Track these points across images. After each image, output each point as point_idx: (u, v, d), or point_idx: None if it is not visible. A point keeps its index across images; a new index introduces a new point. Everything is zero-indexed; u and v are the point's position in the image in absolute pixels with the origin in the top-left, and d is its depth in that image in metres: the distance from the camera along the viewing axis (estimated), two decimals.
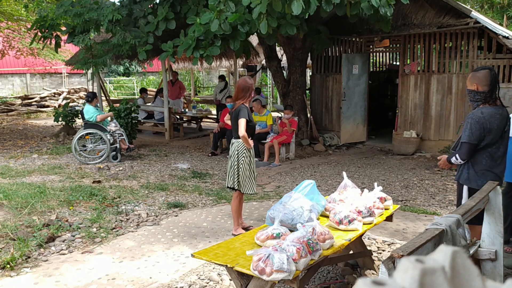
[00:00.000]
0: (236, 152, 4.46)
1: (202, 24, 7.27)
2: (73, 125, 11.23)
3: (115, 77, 24.90)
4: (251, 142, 4.44)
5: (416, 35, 9.02)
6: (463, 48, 8.65)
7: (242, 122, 4.31)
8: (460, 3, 9.15)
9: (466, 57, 8.56)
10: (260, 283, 2.55)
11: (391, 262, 2.39)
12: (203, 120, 12.58)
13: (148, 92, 13.16)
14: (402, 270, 0.56)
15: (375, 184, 3.73)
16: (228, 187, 4.61)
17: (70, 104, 11.88)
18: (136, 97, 19.87)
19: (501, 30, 8.39)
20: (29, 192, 5.82)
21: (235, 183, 4.48)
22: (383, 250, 4.17)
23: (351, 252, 3.67)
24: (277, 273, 2.39)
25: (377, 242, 4.36)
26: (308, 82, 11.53)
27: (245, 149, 4.43)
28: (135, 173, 7.42)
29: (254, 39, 12.38)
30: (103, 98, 12.82)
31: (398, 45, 10.68)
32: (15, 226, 4.60)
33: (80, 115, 9.15)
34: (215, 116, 12.56)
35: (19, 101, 17.71)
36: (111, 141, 8.26)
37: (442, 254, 0.59)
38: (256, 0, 6.34)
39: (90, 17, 8.38)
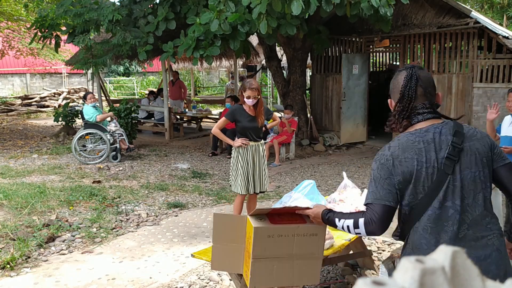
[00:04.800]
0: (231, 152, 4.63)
1: (202, 24, 7.27)
2: (73, 125, 11.23)
3: (115, 77, 24.90)
4: (237, 142, 4.43)
5: (416, 35, 9.02)
6: (463, 48, 8.65)
7: (219, 121, 4.64)
8: (460, 3, 9.15)
9: (466, 57, 8.56)
10: None
11: (391, 262, 2.39)
12: (203, 120, 12.58)
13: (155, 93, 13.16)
14: (402, 270, 0.56)
15: None
16: None
17: (70, 104, 11.87)
18: (136, 97, 19.91)
19: (501, 30, 8.40)
20: (29, 192, 5.82)
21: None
22: (383, 250, 4.17)
23: (351, 252, 3.67)
24: None
25: (377, 242, 4.36)
26: (308, 82, 11.53)
27: (234, 148, 4.53)
28: (135, 173, 7.42)
29: (254, 39, 12.38)
30: (103, 98, 12.82)
31: (398, 45, 10.67)
32: (15, 226, 4.60)
33: (80, 115, 9.15)
34: (215, 116, 12.57)
35: (19, 101, 17.71)
36: (111, 141, 8.26)
37: (442, 254, 0.60)
38: (256, 0, 6.34)
39: (90, 17, 8.37)
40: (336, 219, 1.89)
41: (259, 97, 4.40)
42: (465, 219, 1.65)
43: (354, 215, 1.82)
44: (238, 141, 4.44)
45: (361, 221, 1.75)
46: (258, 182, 4.59)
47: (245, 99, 4.38)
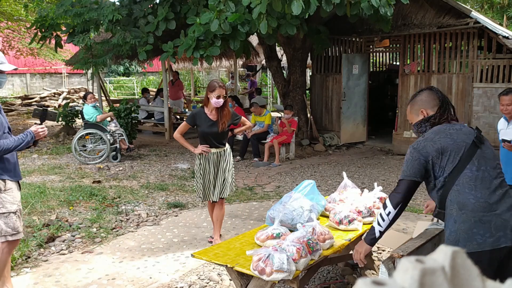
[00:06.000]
0: None
1: (202, 24, 7.26)
2: (73, 125, 11.23)
3: (115, 77, 24.89)
4: (197, 149, 4.28)
5: (416, 35, 9.02)
6: (463, 48, 8.65)
7: (180, 125, 4.49)
8: (460, 3, 9.14)
9: (466, 57, 8.56)
10: (260, 283, 2.55)
11: (391, 262, 2.39)
12: None
13: (150, 92, 13.19)
14: (402, 270, 0.56)
15: (375, 184, 3.73)
16: None
17: (70, 104, 11.87)
18: (136, 97, 19.91)
19: (501, 30, 8.39)
20: (29, 192, 5.82)
21: None
22: (383, 250, 4.17)
23: (351, 252, 3.67)
24: (277, 273, 2.39)
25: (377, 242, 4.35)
26: (308, 82, 11.53)
27: (196, 155, 4.39)
28: (135, 173, 7.42)
29: (254, 39, 12.38)
30: (103, 98, 12.83)
31: (398, 45, 10.68)
32: None
33: (80, 115, 9.15)
34: None
35: (19, 101, 17.70)
36: (111, 141, 8.26)
37: (442, 254, 0.60)
38: (256, 0, 6.34)
39: (90, 17, 8.37)
40: (374, 226, 2.39)
41: (226, 96, 4.15)
42: (499, 179, 2.19)
43: (382, 205, 2.37)
44: (198, 148, 4.26)
45: (387, 199, 2.29)
46: (218, 190, 4.28)
47: (213, 100, 4.07)
